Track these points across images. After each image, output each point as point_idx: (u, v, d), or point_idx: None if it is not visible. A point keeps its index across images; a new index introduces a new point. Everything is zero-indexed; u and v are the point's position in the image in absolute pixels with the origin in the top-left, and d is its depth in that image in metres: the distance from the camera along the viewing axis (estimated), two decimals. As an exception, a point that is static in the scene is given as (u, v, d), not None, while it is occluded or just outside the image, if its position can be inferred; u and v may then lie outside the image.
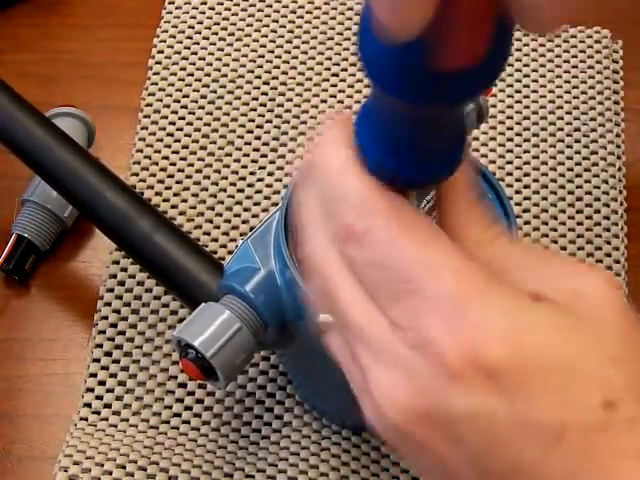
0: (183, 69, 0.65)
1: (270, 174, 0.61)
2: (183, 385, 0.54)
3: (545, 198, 0.60)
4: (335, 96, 0.64)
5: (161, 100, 0.63)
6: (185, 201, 0.60)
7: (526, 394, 0.30)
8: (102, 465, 0.50)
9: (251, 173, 0.61)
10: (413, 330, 0.31)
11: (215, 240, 0.58)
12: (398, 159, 0.32)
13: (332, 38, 0.66)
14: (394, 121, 0.32)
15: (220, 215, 0.59)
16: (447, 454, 0.31)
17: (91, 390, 0.53)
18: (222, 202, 0.60)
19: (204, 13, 0.67)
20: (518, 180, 0.61)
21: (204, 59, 0.65)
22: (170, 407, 0.53)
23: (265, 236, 0.46)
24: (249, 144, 0.62)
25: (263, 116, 0.63)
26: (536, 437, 0.30)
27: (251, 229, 0.56)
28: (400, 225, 0.32)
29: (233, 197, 0.60)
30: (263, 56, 0.65)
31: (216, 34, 0.66)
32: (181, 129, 0.62)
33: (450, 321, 0.30)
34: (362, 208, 0.32)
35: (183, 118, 0.63)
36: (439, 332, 0.30)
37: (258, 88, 0.64)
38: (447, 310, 0.30)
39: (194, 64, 0.65)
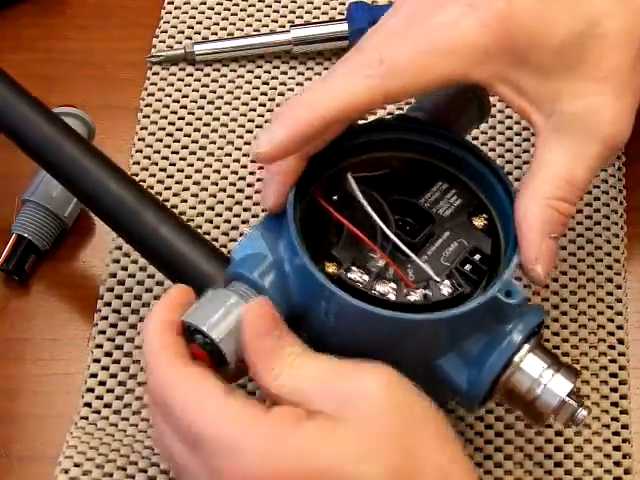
0: (182, 69, 0.65)
1: (270, 174, 0.61)
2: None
3: (545, 198, 0.60)
4: (335, 96, 0.64)
5: (160, 100, 0.63)
6: (185, 201, 0.60)
7: None
8: (102, 467, 0.50)
9: (251, 173, 0.61)
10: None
11: (215, 240, 0.58)
12: None
13: (331, 38, 0.66)
14: None
15: (220, 215, 0.59)
16: None
17: (91, 390, 0.53)
18: (222, 202, 0.60)
19: (203, 13, 0.67)
20: (518, 180, 0.61)
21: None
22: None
23: (273, 223, 0.46)
24: (249, 144, 0.62)
25: (262, 116, 0.63)
26: None
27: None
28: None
29: (233, 197, 0.60)
30: (262, 56, 0.65)
31: (215, 34, 0.66)
32: (180, 129, 0.62)
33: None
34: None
35: (182, 118, 0.63)
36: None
37: (257, 88, 0.64)
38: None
39: (193, 64, 0.65)
